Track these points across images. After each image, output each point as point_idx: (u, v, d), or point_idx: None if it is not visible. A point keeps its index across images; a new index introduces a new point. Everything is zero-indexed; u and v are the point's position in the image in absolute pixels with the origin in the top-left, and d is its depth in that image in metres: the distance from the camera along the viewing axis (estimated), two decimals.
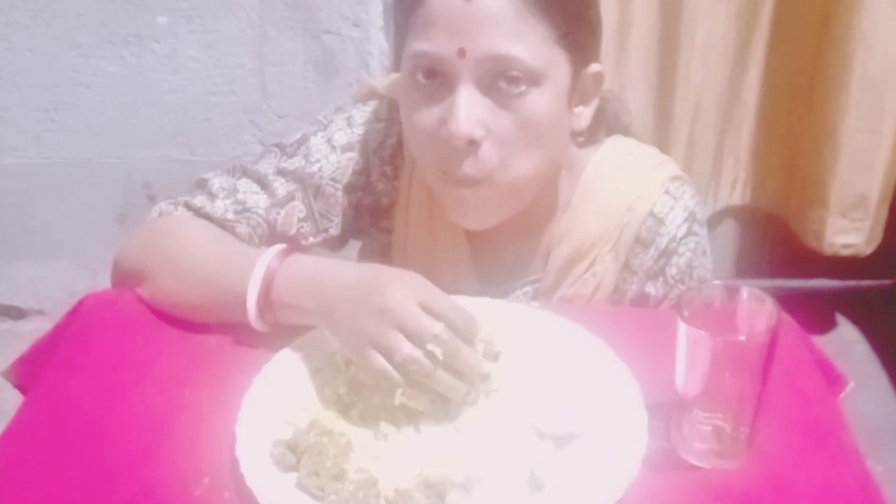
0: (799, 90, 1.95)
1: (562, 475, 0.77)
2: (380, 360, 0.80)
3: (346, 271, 0.87)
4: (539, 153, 0.95)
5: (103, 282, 1.03)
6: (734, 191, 2.10)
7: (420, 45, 0.90)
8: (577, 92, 0.96)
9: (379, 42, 1.84)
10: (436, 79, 0.91)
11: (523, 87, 0.90)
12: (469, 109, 0.89)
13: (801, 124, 1.97)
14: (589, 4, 0.94)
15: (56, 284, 2.06)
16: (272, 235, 1.04)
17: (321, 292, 0.87)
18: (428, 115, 0.92)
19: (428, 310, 0.81)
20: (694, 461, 0.80)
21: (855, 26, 1.78)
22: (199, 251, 0.96)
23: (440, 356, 0.79)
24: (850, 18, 1.78)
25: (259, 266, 0.89)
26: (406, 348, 0.79)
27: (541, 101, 0.91)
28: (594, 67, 0.96)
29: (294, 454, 0.77)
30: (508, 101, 0.90)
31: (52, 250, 2.06)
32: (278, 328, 0.91)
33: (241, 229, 1.02)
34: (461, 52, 0.88)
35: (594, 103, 0.99)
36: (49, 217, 2.02)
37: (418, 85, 0.92)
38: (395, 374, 0.80)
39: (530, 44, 0.88)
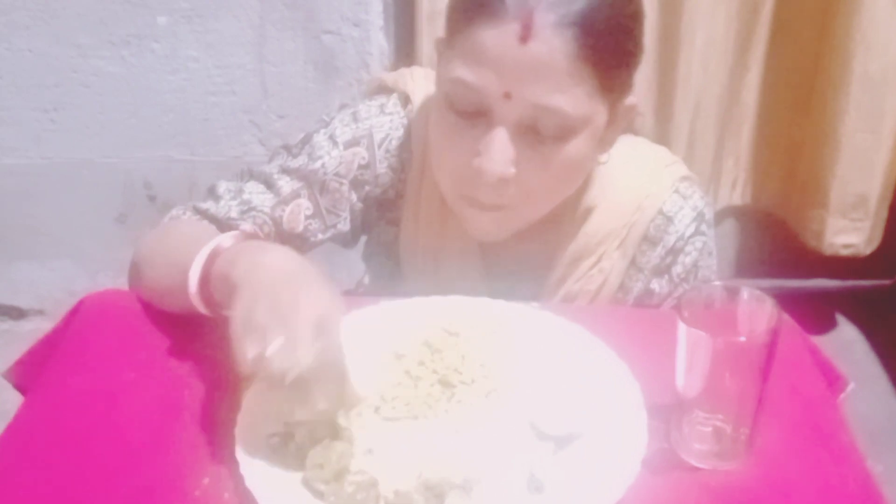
0: (799, 90, 1.94)
1: (561, 476, 0.77)
2: (253, 348, 0.74)
3: (286, 256, 0.83)
4: (564, 188, 0.98)
5: (103, 282, 1.04)
6: (734, 191, 2.10)
7: (464, 73, 0.89)
8: (610, 126, 0.96)
9: (379, 42, 1.84)
10: (472, 107, 0.90)
11: (561, 136, 0.90)
12: (505, 149, 0.89)
13: (801, 124, 1.97)
14: (635, 46, 0.93)
15: (56, 284, 2.06)
16: (280, 233, 1.04)
17: (252, 261, 0.81)
18: (460, 142, 0.92)
19: (321, 333, 0.75)
20: (694, 462, 0.80)
21: (855, 26, 1.78)
22: (178, 241, 0.96)
23: (288, 375, 0.73)
24: (850, 18, 1.78)
25: (209, 245, 0.87)
26: (275, 349, 0.73)
27: (575, 148, 0.92)
28: (629, 100, 0.96)
29: (300, 446, 0.77)
30: (543, 146, 0.91)
31: (52, 250, 2.06)
32: (220, 314, 0.86)
33: (246, 227, 1.02)
34: (507, 96, 0.88)
35: (621, 129, 0.99)
36: (49, 217, 2.02)
37: (452, 110, 0.92)
38: (262, 366, 0.74)
39: (576, 96, 0.88)
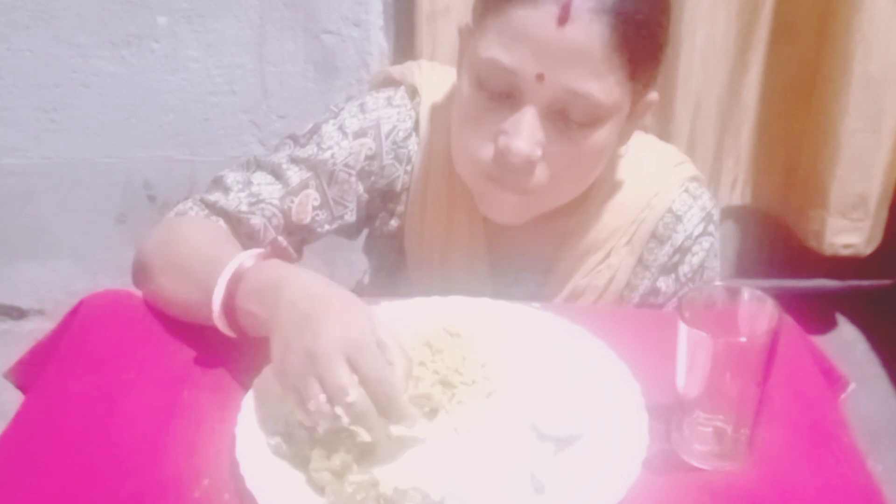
0: (799, 90, 1.94)
1: (562, 477, 0.77)
2: (299, 400, 0.76)
3: (306, 288, 0.81)
4: (588, 177, 0.98)
5: (103, 282, 1.03)
6: (734, 191, 2.10)
7: (498, 53, 0.89)
8: (631, 119, 0.97)
9: (379, 42, 1.84)
10: (502, 88, 0.90)
11: (588, 124, 0.91)
12: (533, 131, 0.90)
13: (801, 124, 1.97)
14: (665, 39, 0.94)
15: (56, 284, 2.06)
16: (288, 225, 1.04)
17: (275, 303, 0.81)
18: (486, 122, 0.92)
19: (353, 366, 0.74)
20: (695, 463, 0.80)
21: (855, 26, 1.78)
22: (192, 248, 0.96)
23: (345, 423, 0.74)
24: (850, 18, 1.78)
25: (230, 266, 0.86)
26: (319, 401, 0.74)
27: (600, 136, 0.92)
28: (651, 96, 0.97)
29: (300, 446, 0.77)
30: (570, 132, 0.91)
31: (52, 250, 2.05)
32: (246, 336, 0.87)
33: (256, 220, 1.02)
34: (540, 77, 0.88)
35: (638, 123, 1.00)
36: (49, 217, 2.02)
37: (482, 90, 0.92)
38: (309, 417, 0.75)
39: (607, 84, 0.89)
